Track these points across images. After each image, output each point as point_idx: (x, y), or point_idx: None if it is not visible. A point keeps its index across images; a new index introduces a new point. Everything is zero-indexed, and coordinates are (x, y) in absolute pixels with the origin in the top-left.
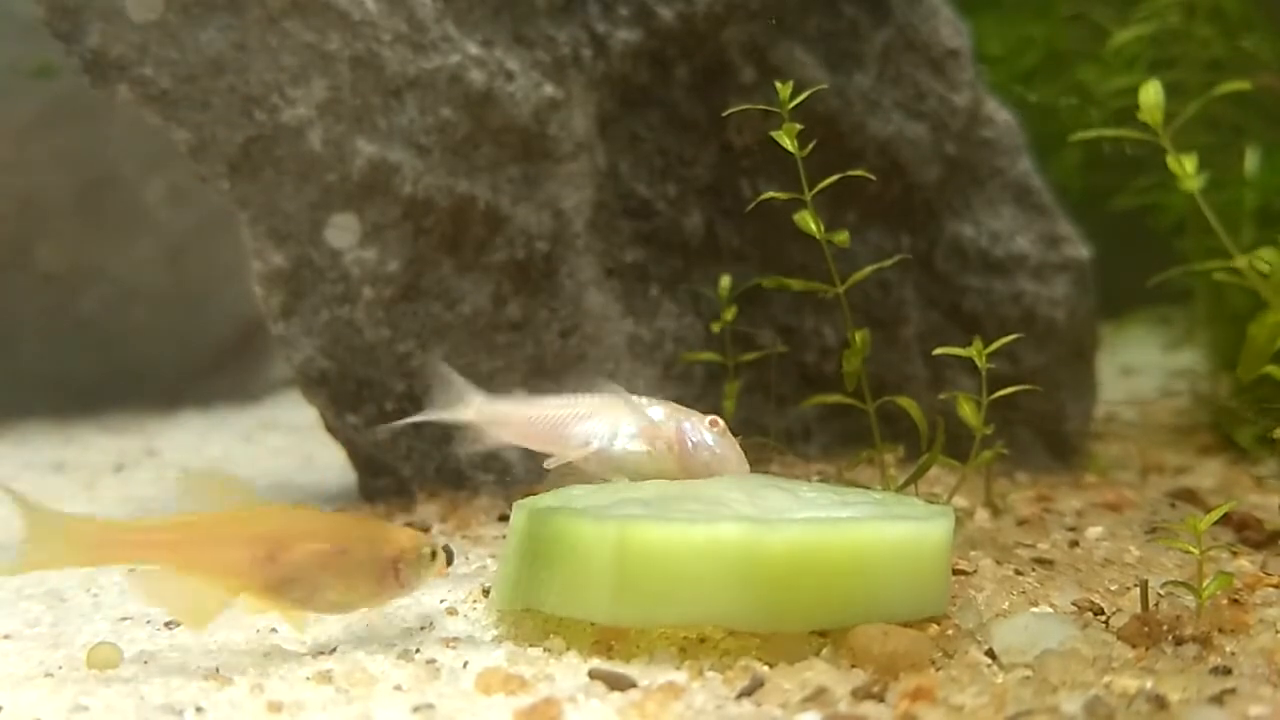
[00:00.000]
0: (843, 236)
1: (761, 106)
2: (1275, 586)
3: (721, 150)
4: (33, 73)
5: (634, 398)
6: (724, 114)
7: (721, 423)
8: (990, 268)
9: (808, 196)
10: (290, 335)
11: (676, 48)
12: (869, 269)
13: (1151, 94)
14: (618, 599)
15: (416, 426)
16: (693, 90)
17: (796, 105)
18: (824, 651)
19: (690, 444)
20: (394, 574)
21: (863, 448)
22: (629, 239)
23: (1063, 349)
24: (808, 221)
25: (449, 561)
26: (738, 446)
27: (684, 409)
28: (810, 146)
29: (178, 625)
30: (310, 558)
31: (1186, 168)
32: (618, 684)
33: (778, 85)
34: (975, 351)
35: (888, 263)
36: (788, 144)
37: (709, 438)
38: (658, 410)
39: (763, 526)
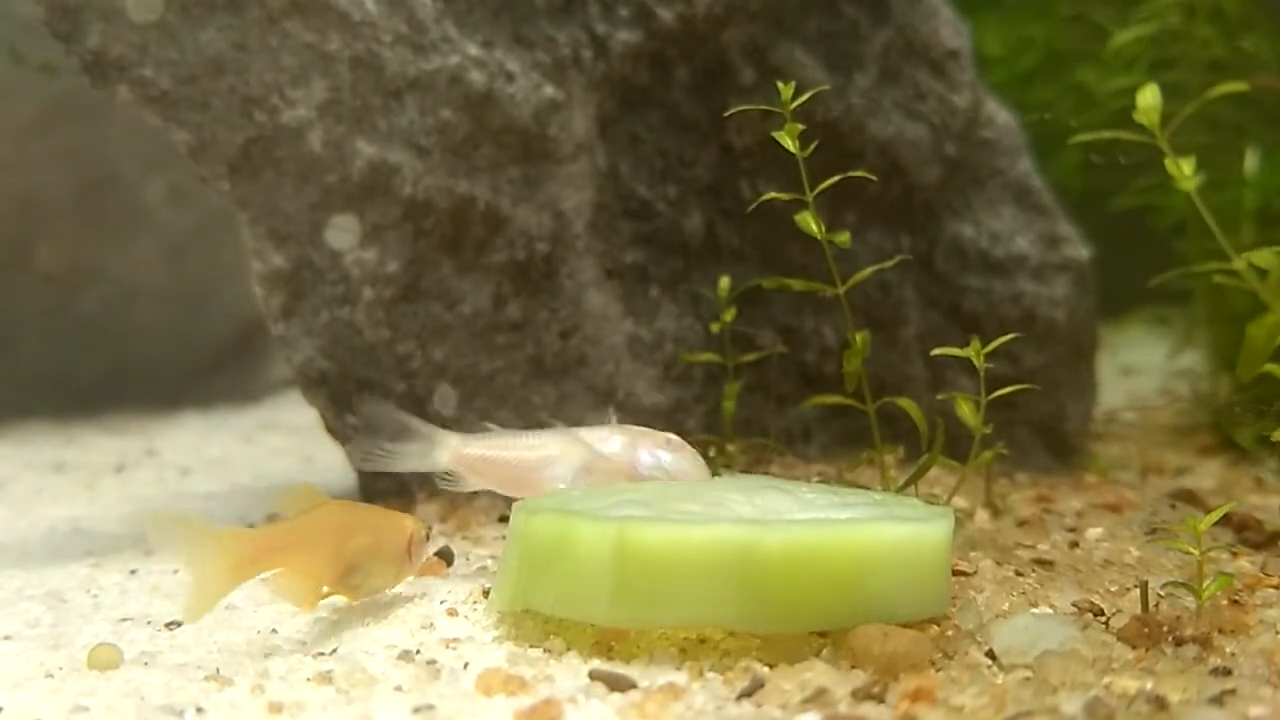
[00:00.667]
0: (844, 237)
1: (762, 107)
2: (1275, 587)
3: (722, 151)
4: (36, 68)
5: (595, 430)
6: (724, 115)
7: (677, 439)
8: (990, 268)
9: (809, 197)
10: (290, 336)
11: (677, 49)
12: (869, 270)
13: (1148, 97)
14: (616, 600)
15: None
16: (693, 91)
17: (797, 106)
18: (824, 652)
19: (643, 475)
20: (409, 555)
21: (863, 448)
22: (629, 240)
23: (1062, 349)
24: (809, 222)
25: (449, 563)
26: (698, 459)
27: (643, 432)
28: (811, 148)
29: (178, 625)
30: (362, 549)
31: (1184, 169)
32: (618, 685)
33: (779, 86)
34: (973, 352)
35: (888, 263)
36: (789, 144)
37: (665, 458)
38: (615, 441)
39: (762, 528)
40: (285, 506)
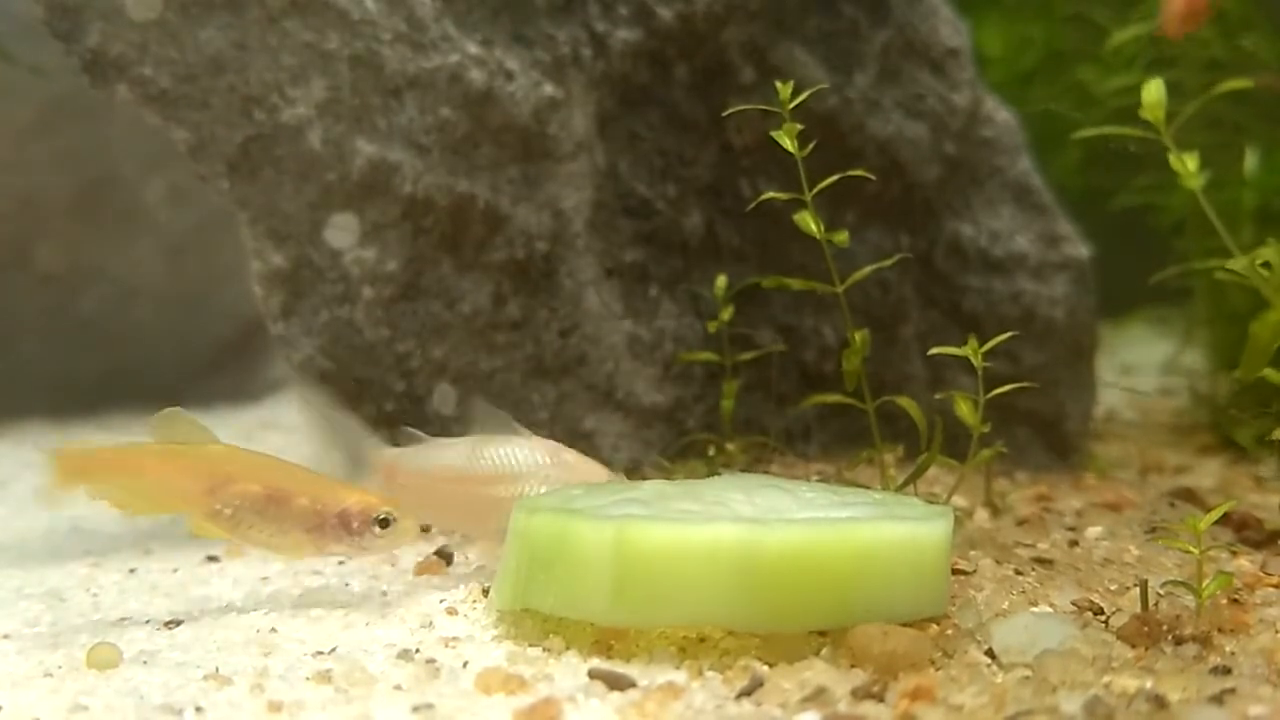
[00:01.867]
0: (842, 236)
1: (761, 107)
2: (1275, 586)
3: (721, 150)
4: (27, 70)
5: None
6: (724, 114)
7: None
8: (990, 267)
9: (808, 197)
10: (290, 335)
11: (676, 47)
12: (868, 269)
13: (1154, 92)
14: (616, 600)
15: (416, 426)
16: (692, 90)
17: (797, 106)
18: (824, 651)
19: None
20: (335, 529)
21: (863, 447)
22: (629, 239)
23: (1062, 348)
24: (808, 222)
25: (448, 562)
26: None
27: (589, 469)
28: (810, 147)
29: (177, 624)
30: (243, 497)
31: (1189, 166)
32: (617, 684)
33: (778, 85)
34: (971, 350)
35: (887, 262)
36: (788, 144)
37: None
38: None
39: (761, 527)
40: (160, 432)
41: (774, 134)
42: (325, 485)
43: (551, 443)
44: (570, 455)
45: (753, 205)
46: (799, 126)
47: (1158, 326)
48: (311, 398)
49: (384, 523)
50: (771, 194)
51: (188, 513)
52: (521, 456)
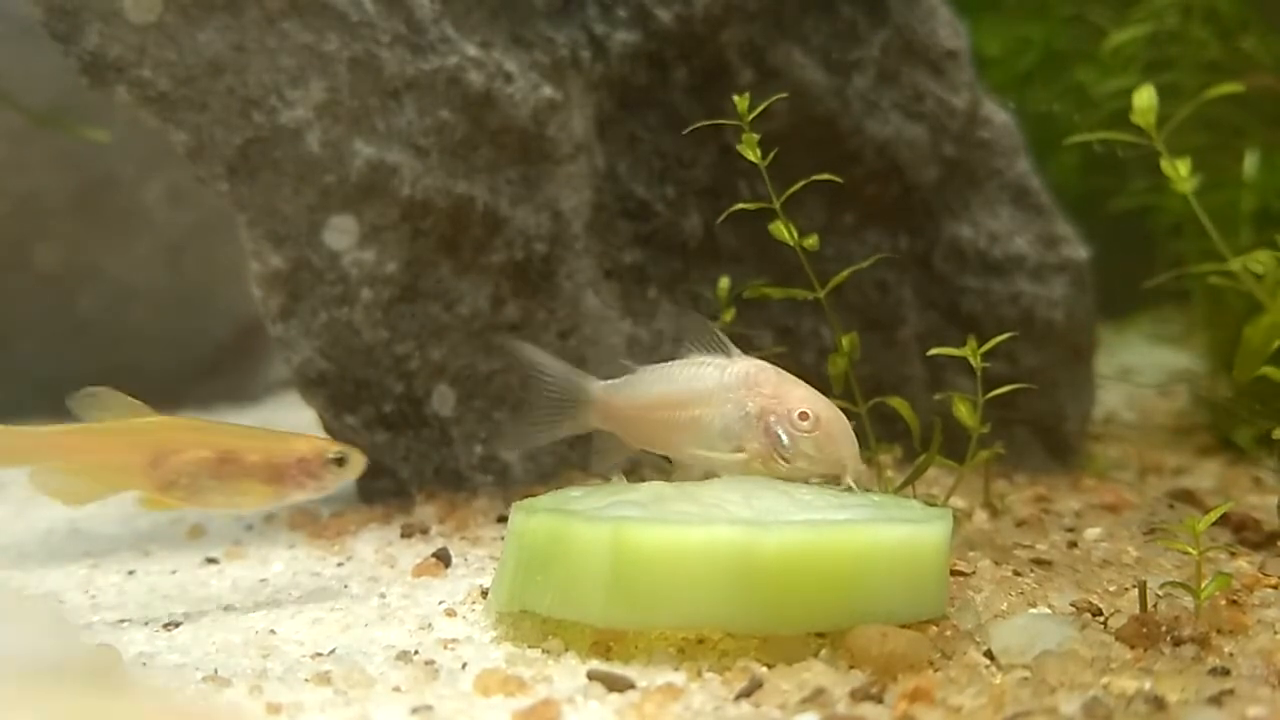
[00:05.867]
0: (811, 240)
1: (761, 105)
2: (1273, 587)
3: (720, 152)
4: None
5: (732, 377)
6: (720, 119)
7: (814, 412)
8: (989, 268)
9: (777, 204)
10: (289, 336)
11: (675, 49)
12: (845, 273)
13: (1145, 97)
14: (612, 601)
15: (414, 428)
16: (691, 92)
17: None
18: (822, 653)
19: (776, 454)
20: (293, 477)
21: (861, 449)
22: (627, 240)
23: (1061, 350)
24: (781, 231)
25: (447, 564)
26: (838, 433)
27: (783, 391)
28: (771, 155)
29: (176, 627)
30: (192, 464)
31: (1180, 170)
32: (616, 685)
33: (735, 99)
34: (969, 351)
35: (864, 264)
36: (750, 155)
37: (797, 440)
38: (753, 405)
39: (759, 529)
40: (89, 412)
41: (738, 147)
42: (271, 438)
43: (753, 362)
44: (768, 376)
45: (723, 218)
46: (757, 136)
47: (1157, 328)
48: (514, 344)
49: (339, 461)
50: (740, 205)
51: (137, 490)
52: (715, 377)
